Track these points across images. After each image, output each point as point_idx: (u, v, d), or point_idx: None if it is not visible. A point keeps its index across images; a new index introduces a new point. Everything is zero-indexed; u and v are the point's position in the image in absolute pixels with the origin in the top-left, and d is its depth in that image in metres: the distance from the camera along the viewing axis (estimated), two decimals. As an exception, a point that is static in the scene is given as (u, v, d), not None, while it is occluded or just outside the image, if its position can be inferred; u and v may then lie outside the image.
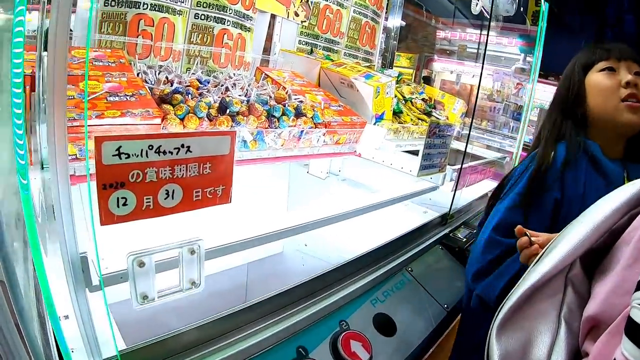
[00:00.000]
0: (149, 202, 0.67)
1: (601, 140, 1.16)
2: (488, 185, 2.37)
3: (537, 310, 0.75)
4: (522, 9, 3.07)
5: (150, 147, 0.64)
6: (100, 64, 1.19)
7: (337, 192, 1.96)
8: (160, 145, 0.64)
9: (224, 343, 0.90)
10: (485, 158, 2.53)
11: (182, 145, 0.67)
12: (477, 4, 2.19)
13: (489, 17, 2.05)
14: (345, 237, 1.70)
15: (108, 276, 0.76)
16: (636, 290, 0.55)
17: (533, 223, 1.09)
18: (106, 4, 1.43)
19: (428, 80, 7.60)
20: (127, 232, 0.84)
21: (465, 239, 1.74)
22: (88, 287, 0.69)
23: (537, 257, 0.79)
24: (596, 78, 1.17)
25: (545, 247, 0.79)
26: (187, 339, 0.86)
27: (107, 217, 0.65)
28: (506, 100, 3.35)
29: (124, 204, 0.65)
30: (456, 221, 1.88)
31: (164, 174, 0.67)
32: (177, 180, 0.68)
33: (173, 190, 0.69)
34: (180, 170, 0.68)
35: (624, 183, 1.13)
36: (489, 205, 1.30)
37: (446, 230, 1.75)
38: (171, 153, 0.66)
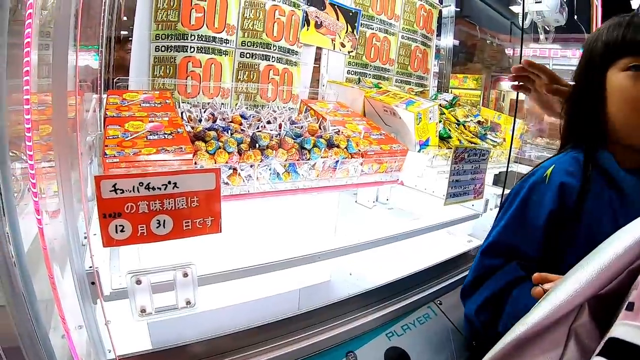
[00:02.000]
0: (143, 229, 0.78)
1: (618, 149, 0.99)
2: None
3: None
4: (575, 17, 2.92)
5: (141, 184, 0.75)
6: (147, 105, 1.35)
7: (380, 221, 1.97)
8: (150, 182, 0.75)
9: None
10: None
11: (169, 182, 0.77)
12: (526, 16, 2.13)
13: (521, 28, 1.98)
14: (387, 266, 1.71)
15: (118, 291, 0.88)
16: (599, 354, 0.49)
17: (525, 242, 1.03)
18: (157, 50, 1.62)
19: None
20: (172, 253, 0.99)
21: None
22: (93, 300, 0.81)
23: (537, 303, 0.66)
24: (620, 80, 0.93)
25: (547, 292, 0.67)
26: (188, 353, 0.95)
27: (108, 241, 0.77)
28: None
29: (122, 231, 0.77)
30: (503, 250, 1.81)
31: (155, 206, 0.77)
32: (167, 212, 0.79)
33: (164, 220, 0.79)
34: (169, 204, 0.79)
35: None
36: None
37: (488, 260, 1.70)
38: (159, 189, 0.77)
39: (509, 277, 1.03)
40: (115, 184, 0.73)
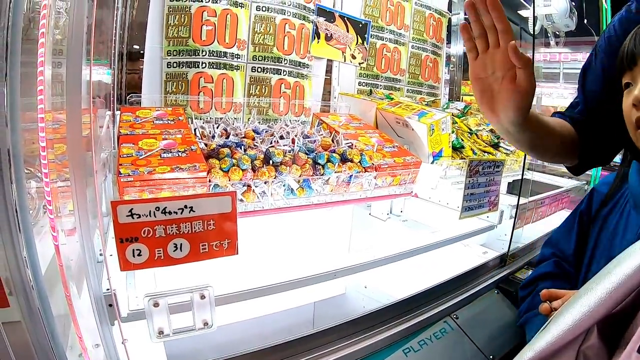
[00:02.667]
0: (160, 253, 0.78)
1: None
2: (563, 217, 2.22)
3: None
4: (585, 21, 2.90)
5: (157, 209, 0.75)
6: (160, 122, 1.36)
7: (395, 234, 1.96)
8: (166, 207, 0.75)
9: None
10: (561, 187, 2.36)
11: (185, 206, 0.77)
12: (534, 23, 2.12)
13: (532, 34, 1.96)
14: (403, 279, 1.70)
15: (135, 312, 0.88)
16: None
17: (564, 239, 1.24)
18: (168, 66, 1.64)
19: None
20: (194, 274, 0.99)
21: (526, 281, 1.64)
22: (111, 321, 0.82)
23: (545, 324, 0.67)
24: (623, 101, 0.90)
25: (555, 312, 0.67)
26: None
27: (125, 265, 0.77)
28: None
29: (139, 255, 0.77)
30: (519, 261, 1.78)
31: (171, 230, 0.77)
32: (183, 236, 0.79)
33: (181, 244, 0.79)
34: (185, 227, 0.79)
35: None
36: None
37: (505, 272, 1.67)
38: (176, 213, 0.77)
39: (543, 270, 1.23)
40: (132, 209, 0.74)
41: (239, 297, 1.04)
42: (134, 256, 0.77)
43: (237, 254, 0.87)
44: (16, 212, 0.66)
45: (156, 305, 0.81)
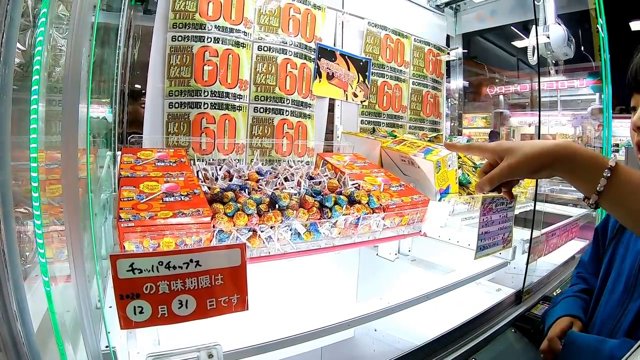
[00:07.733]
0: (164, 310, 0.72)
1: None
2: (575, 247, 2.17)
3: None
4: (582, 48, 2.93)
5: (160, 263, 0.70)
6: (162, 164, 1.32)
7: (405, 275, 1.90)
8: (170, 261, 0.70)
9: None
10: (569, 216, 2.31)
11: (191, 260, 0.72)
12: (533, 53, 2.13)
13: (537, 66, 1.96)
14: (413, 320, 1.63)
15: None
16: None
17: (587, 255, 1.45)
18: (170, 106, 1.62)
19: (497, 136, 7.13)
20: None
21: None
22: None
23: None
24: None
25: None
26: None
27: (126, 323, 0.71)
28: (588, 145, 3.14)
29: (141, 312, 0.71)
30: (534, 296, 1.71)
31: (176, 286, 0.72)
32: (189, 292, 0.74)
33: (186, 301, 0.74)
34: (191, 283, 0.73)
35: None
36: None
37: (521, 309, 1.60)
38: (181, 267, 0.72)
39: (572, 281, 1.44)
40: (133, 263, 0.69)
41: (249, 352, 0.97)
42: (135, 314, 0.71)
43: (248, 309, 0.81)
44: (5, 260, 0.61)
45: (159, 366, 0.75)
